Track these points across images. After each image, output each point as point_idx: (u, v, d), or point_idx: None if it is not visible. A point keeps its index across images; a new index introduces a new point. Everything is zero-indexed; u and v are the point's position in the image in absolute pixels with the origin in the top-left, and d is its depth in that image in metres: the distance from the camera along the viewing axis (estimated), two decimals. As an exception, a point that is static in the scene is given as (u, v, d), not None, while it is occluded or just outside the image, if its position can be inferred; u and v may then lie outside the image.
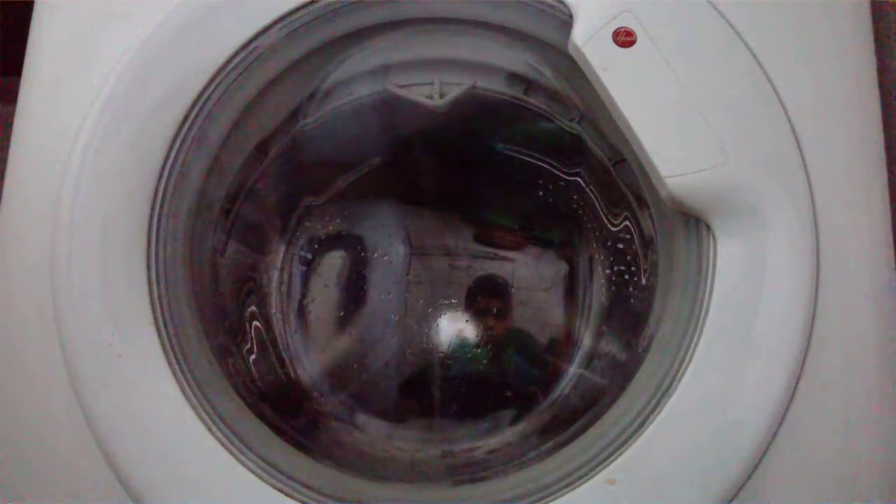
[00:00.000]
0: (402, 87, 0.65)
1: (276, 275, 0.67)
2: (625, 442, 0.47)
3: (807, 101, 0.50)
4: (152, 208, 0.50)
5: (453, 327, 0.69)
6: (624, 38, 0.50)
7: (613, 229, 0.66)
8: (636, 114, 0.49)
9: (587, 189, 0.67)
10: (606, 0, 0.51)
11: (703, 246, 0.50)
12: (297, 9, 0.53)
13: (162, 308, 0.49)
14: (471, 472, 0.57)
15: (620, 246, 0.65)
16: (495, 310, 0.70)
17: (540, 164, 0.69)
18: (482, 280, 0.71)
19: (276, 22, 0.52)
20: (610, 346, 0.64)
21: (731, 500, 0.46)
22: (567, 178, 0.68)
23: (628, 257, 0.65)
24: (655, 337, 0.54)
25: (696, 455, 0.46)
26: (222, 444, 0.47)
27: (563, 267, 0.70)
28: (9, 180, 0.51)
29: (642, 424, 0.47)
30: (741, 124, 0.49)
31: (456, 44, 0.64)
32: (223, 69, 0.52)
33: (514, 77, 0.65)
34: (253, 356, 0.63)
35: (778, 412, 0.47)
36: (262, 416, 0.53)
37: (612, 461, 0.46)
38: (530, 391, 0.67)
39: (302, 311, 0.67)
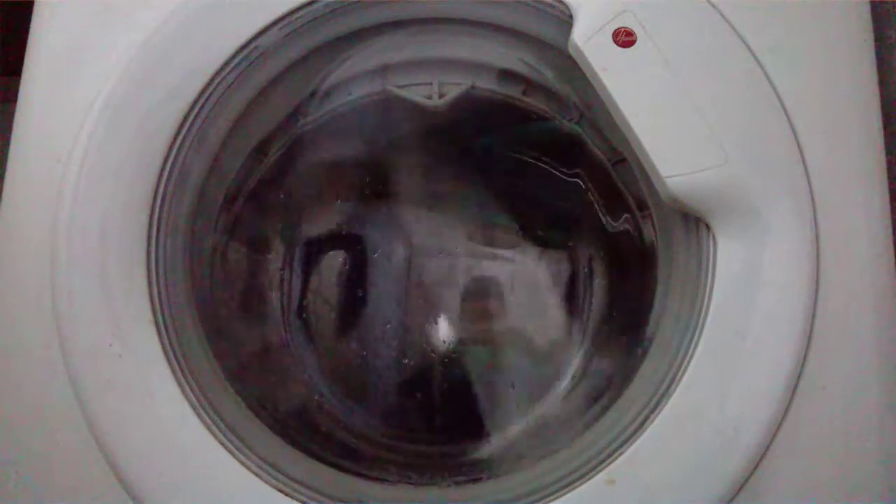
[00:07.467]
0: (402, 87, 0.65)
1: (275, 275, 0.67)
2: (625, 442, 0.47)
3: (807, 101, 0.51)
4: (152, 208, 0.50)
5: (453, 327, 0.69)
6: (624, 38, 0.50)
7: (613, 230, 0.65)
8: (636, 114, 0.49)
9: (587, 189, 0.67)
10: (606, 0, 0.51)
11: (703, 246, 0.50)
12: (297, 9, 0.53)
13: (162, 308, 0.49)
14: (471, 472, 0.57)
15: (620, 246, 0.65)
16: (495, 310, 0.70)
17: (539, 164, 0.69)
18: (482, 280, 0.71)
19: (276, 22, 0.52)
20: (610, 347, 0.64)
21: (731, 500, 0.46)
22: (567, 178, 0.68)
23: (628, 257, 0.65)
24: (655, 337, 0.54)
25: (696, 455, 0.46)
26: (222, 444, 0.47)
27: (563, 267, 0.70)
28: (9, 180, 0.51)
29: (642, 424, 0.47)
30: (741, 124, 0.49)
31: (455, 44, 0.64)
32: (223, 69, 0.52)
33: (513, 77, 0.65)
34: (252, 356, 0.63)
35: (778, 412, 0.47)
36: (261, 416, 0.53)
37: (612, 461, 0.46)
38: (530, 391, 0.66)
39: (302, 311, 0.67)
